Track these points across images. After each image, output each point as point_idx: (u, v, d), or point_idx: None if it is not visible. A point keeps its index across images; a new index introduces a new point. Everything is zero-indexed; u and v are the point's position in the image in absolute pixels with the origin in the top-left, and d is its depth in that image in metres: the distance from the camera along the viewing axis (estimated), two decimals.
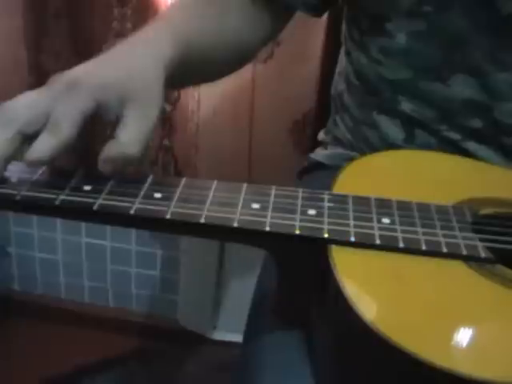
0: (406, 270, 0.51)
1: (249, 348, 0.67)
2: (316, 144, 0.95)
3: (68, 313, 1.57)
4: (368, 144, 0.81)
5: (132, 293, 1.57)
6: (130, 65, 0.58)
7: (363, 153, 0.79)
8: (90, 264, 1.56)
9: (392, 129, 0.77)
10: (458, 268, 0.52)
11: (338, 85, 0.87)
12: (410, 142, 0.76)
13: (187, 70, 0.66)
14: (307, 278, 0.54)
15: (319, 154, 0.91)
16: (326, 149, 0.90)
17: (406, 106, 0.75)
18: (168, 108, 1.19)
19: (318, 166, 0.89)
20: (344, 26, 0.83)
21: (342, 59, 0.86)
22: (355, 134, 0.83)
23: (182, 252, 1.48)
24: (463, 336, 0.47)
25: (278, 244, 0.54)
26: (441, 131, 0.74)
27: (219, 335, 1.53)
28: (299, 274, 0.55)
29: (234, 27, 0.74)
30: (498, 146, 0.72)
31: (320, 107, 1.12)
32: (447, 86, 0.71)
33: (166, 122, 1.20)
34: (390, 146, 0.77)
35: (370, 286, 0.50)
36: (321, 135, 0.94)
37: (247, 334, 0.70)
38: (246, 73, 1.12)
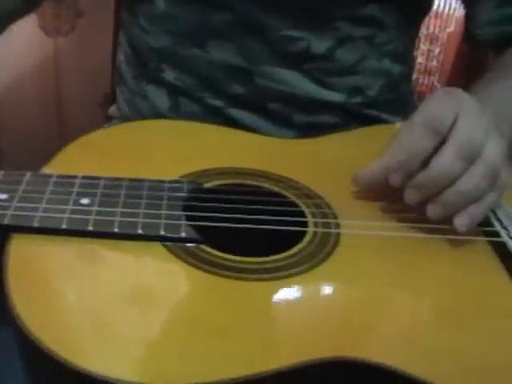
0: (92, 258, 0.47)
1: None
2: None
3: None
4: (141, 116, 0.77)
5: None
6: None
7: None
8: None
9: (159, 98, 0.74)
10: (155, 252, 0.47)
11: (119, 56, 0.83)
12: (175, 111, 0.73)
13: None
14: None
15: None
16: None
17: (170, 74, 0.72)
18: None
19: None
20: None
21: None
22: (131, 106, 0.79)
23: None
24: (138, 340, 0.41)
25: None
26: (204, 98, 0.71)
27: None
28: None
29: None
30: (263, 111, 0.70)
31: None
32: (206, 53, 0.69)
33: None
34: (158, 116, 0.74)
35: (37, 282, 0.44)
36: (111, 109, 0.89)
37: None
38: (46, 45, 1.07)
